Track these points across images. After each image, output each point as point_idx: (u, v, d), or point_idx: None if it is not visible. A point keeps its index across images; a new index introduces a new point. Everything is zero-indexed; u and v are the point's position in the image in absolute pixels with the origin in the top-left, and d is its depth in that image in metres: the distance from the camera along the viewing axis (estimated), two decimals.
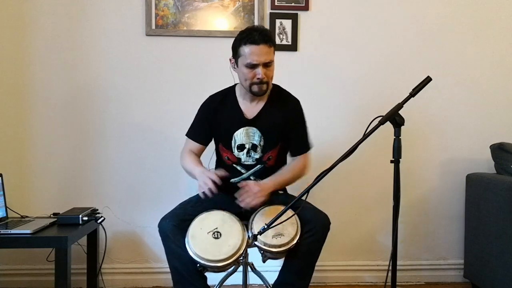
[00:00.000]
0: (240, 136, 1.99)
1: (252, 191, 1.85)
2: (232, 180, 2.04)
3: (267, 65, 1.90)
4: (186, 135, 2.11)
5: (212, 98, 2.08)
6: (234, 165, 2.03)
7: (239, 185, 1.90)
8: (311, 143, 2.09)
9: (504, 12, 2.72)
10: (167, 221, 1.85)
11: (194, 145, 2.09)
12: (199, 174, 1.88)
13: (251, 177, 2.02)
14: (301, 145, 2.07)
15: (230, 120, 2.01)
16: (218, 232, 1.79)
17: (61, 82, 2.58)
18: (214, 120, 2.04)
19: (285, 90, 2.09)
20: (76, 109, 2.60)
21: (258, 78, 1.88)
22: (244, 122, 2.00)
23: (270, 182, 1.93)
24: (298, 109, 2.07)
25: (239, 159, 2.01)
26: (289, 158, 2.12)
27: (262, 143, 1.99)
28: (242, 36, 1.90)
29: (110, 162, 2.62)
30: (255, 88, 1.92)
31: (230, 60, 1.99)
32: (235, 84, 2.08)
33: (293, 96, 2.09)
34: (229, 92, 2.07)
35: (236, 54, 1.93)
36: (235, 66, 1.97)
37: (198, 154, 2.10)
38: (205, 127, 2.07)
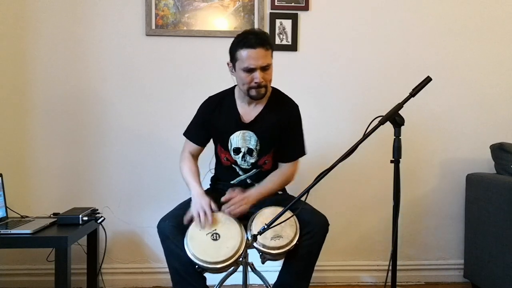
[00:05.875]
0: (236, 139, 1.98)
1: (236, 199, 1.86)
2: (232, 182, 2.04)
3: (265, 68, 1.86)
4: (184, 134, 2.10)
5: (210, 100, 2.07)
6: (233, 166, 2.03)
7: (226, 193, 1.91)
8: (305, 151, 2.05)
9: (504, 12, 2.72)
10: (166, 222, 1.85)
11: (192, 146, 2.08)
12: (195, 198, 1.88)
13: (248, 180, 2.02)
14: (294, 152, 2.03)
15: (227, 123, 2.00)
16: (216, 233, 1.78)
17: (61, 82, 2.58)
18: (211, 122, 2.02)
19: (285, 95, 2.06)
20: (76, 109, 2.60)
21: (256, 82, 1.85)
22: (241, 125, 1.98)
23: (255, 192, 1.92)
24: (295, 115, 2.03)
25: (236, 161, 2.01)
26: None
27: (258, 147, 1.98)
28: (239, 40, 1.87)
29: (110, 162, 2.62)
30: (253, 92, 1.89)
31: (228, 64, 1.96)
32: (234, 86, 2.06)
33: (293, 101, 2.05)
34: (228, 94, 2.05)
35: (233, 58, 1.90)
36: (233, 70, 1.94)
37: (197, 155, 2.10)
38: (202, 129, 2.06)
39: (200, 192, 1.90)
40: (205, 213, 1.80)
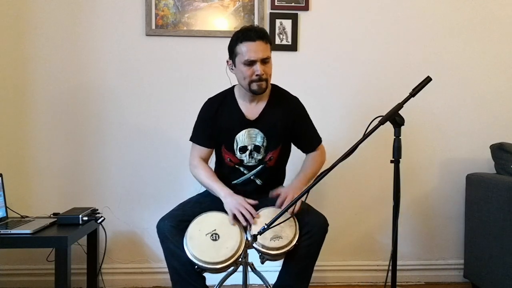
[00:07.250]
0: (242, 138, 1.98)
1: (286, 198, 1.85)
2: (234, 181, 2.03)
3: (265, 61, 1.88)
4: (192, 140, 2.08)
5: (211, 101, 2.06)
6: (237, 166, 2.02)
7: (271, 195, 1.91)
8: (319, 136, 2.10)
9: (504, 12, 2.72)
10: (166, 222, 1.85)
11: (203, 150, 2.06)
12: (228, 198, 1.87)
13: (252, 177, 2.02)
14: (313, 140, 2.09)
15: (231, 122, 1.99)
16: (216, 234, 1.79)
17: (61, 82, 2.58)
18: (215, 123, 2.01)
19: (284, 90, 2.08)
20: (76, 109, 2.60)
21: (257, 75, 1.87)
22: (246, 123, 1.98)
23: (298, 185, 1.93)
24: (300, 107, 2.07)
25: (242, 160, 2.00)
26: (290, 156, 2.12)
27: (265, 144, 1.98)
28: (238, 35, 1.89)
29: (110, 162, 2.62)
30: (254, 86, 1.90)
31: (227, 62, 1.97)
32: (233, 86, 2.07)
33: (292, 95, 2.08)
34: (228, 94, 2.05)
35: (233, 54, 1.92)
36: (233, 67, 1.95)
37: (207, 158, 2.09)
38: (208, 130, 2.04)
39: (229, 191, 1.91)
40: (246, 209, 1.81)
